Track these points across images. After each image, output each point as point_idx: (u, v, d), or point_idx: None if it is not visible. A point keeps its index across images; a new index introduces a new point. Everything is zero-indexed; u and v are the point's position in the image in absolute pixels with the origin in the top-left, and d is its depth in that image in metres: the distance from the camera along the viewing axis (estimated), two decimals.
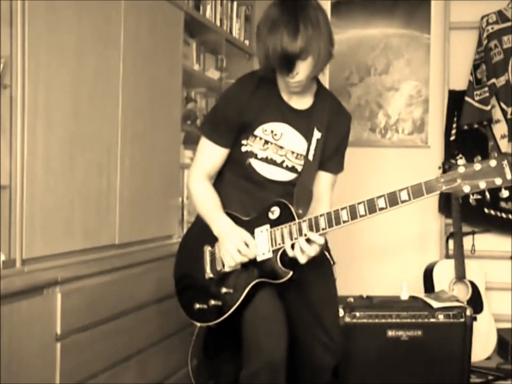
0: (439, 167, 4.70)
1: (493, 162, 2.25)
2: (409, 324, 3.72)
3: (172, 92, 3.82)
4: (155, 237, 3.65)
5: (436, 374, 3.71)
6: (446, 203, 5.02)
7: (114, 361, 3.09)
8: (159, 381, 3.49)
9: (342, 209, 2.43)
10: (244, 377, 2.58)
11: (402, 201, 2.34)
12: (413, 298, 3.98)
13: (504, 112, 5.00)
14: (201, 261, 2.71)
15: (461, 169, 2.29)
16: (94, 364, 2.94)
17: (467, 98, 5.09)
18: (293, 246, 2.52)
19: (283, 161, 2.68)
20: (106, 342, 3.03)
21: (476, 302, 4.63)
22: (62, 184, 2.85)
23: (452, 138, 5.18)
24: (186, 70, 4.02)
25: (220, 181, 2.81)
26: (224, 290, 2.61)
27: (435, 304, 3.78)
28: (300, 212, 2.58)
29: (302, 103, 2.69)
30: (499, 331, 4.80)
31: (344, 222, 2.43)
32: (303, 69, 2.47)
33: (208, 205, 2.70)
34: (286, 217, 2.55)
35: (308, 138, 2.68)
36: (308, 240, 2.49)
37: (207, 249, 2.70)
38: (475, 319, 3.80)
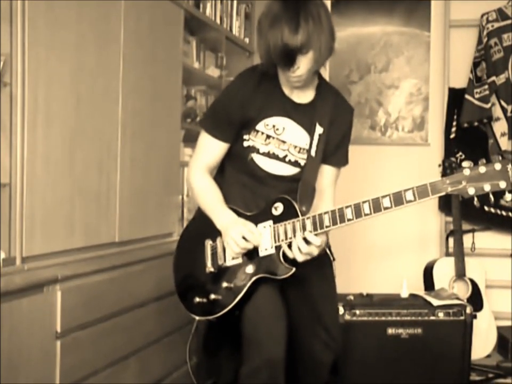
0: (439, 165, 4.70)
1: (497, 166, 2.29)
2: (409, 321, 3.72)
3: (172, 89, 3.82)
4: (155, 235, 3.65)
5: (436, 371, 3.71)
6: (446, 201, 5.01)
7: (114, 359, 3.09)
8: (159, 378, 3.49)
9: (346, 207, 2.43)
10: (243, 374, 2.58)
11: (408, 201, 2.37)
12: (413, 296, 3.98)
13: (504, 110, 5.00)
14: (202, 255, 2.70)
15: (466, 172, 2.32)
16: (94, 361, 2.94)
17: (467, 96, 5.08)
18: (290, 244, 2.52)
19: (285, 156, 2.68)
20: (106, 339, 3.03)
21: (476, 299, 4.62)
22: (62, 182, 2.85)
23: (452, 136, 5.18)
24: (186, 67, 4.02)
25: (221, 176, 2.82)
26: (225, 284, 2.61)
27: (435, 302, 3.78)
28: (304, 209, 2.59)
29: (304, 97, 2.69)
30: (499, 329, 4.80)
31: (348, 220, 2.43)
32: (304, 64, 2.48)
33: (210, 199, 2.70)
34: (289, 213, 2.55)
35: (310, 132, 2.68)
36: (306, 240, 2.48)
37: (208, 243, 2.70)
38: (475, 317, 3.80)
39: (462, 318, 3.72)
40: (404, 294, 3.95)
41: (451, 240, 4.90)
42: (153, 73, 3.56)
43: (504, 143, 5.00)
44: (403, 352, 3.71)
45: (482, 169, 2.30)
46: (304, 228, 2.49)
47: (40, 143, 2.70)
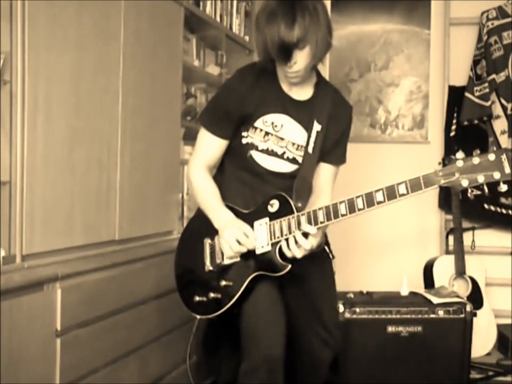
0: (439, 163, 4.69)
1: (491, 156, 2.23)
2: (409, 319, 3.72)
3: (172, 87, 3.81)
4: (155, 233, 3.65)
5: (435, 369, 3.71)
6: (446, 199, 5.02)
7: (114, 356, 3.09)
8: (158, 376, 3.49)
9: (340, 202, 2.43)
10: (242, 372, 2.59)
11: (401, 195, 2.33)
12: (413, 294, 3.98)
13: (504, 108, 5.00)
14: (201, 254, 2.72)
15: (459, 163, 2.28)
16: (94, 359, 2.94)
17: (467, 94, 5.09)
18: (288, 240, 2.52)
19: (284, 153, 2.69)
20: (106, 337, 3.03)
21: (476, 297, 4.63)
22: (62, 180, 2.85)
23: (452, 134, 5.18)
24: (186, 65, 4.02)
25: (221, 173, 2.83)
26: (223, 283, 2.62)
27: (435, 300, 3.78)
28: (299, 205, 2.59)
29: (303, 93, 2.70)
30: (499, 327, 4.80)
31: (342, 215, 2.42)
32: (301, 58, 2.49)
33: (208, 197, 2.71)
34: (285, 210, 2.55)
35: (308, 129, 2.68)
36: (305, 235, 2.49)
37: (207, 242, 2.72)
38: (475, 314, 3.80)
39: (462, 316, 3.72)
40: (404, 292, 3.95)
41: (451, 238, 4.90)
42: (153, 71, 3.55)
43: (504, 141, 4.99)
44: (403, 350, 3.71)
45: (475, 160, 2.25)
46: (299, 224, 2.49)
47: (40, 141, 2.69)
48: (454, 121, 5.17)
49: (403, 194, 2.33)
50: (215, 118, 2.72)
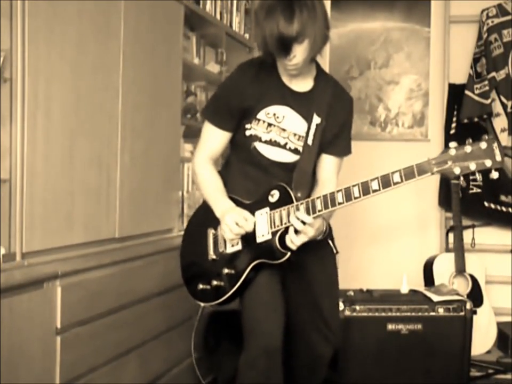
0: None
1: (483, 145, 2.27)
2: (409, 317, 3.73)
3: (172, 85, 3.81)
4: (155, 231, 3.65)
5: (435, 367, 3.71)
6: (446, 196, 5.02)
7: (115, 355, 3.09)
8: (159, 374, 3.49)
9: (337, 191, 2.48)
10: (241, 362, 2.67)
11: (395, 183, 2.38)
12: (413, 291, 3.98)
13: (504, 106, 4.99)
14: (205, 244, 2.80)
15: (452, 152, 2.31)
16: (94, 357, 2.94)
17: (467, 92, 5.08)
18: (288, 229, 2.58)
19: (286, 143, 2.74)
20: (106, 335, 3.03)
21: (476, 295, 4.63)
22: (62, 178, 2.85)
23: (452, 132, 5.18)
24: (186, 63, 4.02)
25: (227, 168, 2.90)
26: (226, 271, 2.69)
27: (435, 298, 3.79)
28: (299, 195, 2.63)
29: (303, 85, 2.75)
30: (499, 325, 4.80)
31: (339, 203, 2.48)
32: (300, 52, 2.54)
33: (211, 189, 2.78)
34: (285, 200, 2.61)
35: (308, 121, 2.73)
36: (304, 223, 2.53)
37: (211, 232, 2.79)
38: (475, 312, 3.80)
39: (462, 313, 3.73)
40: (404, 290, 3.95)
41: (451, 235, 4.90)
42: (153, 69, 3.55)
43: (504, 139, 4.99)
44: (403, 347, 3.72)
45: (468, 148, 2.28)
46: None
47: (40, 138, 2.70)
48: (454, 119, 5.17)
49: (397, 183, 2.38)
50: (217, 111, 2.78)
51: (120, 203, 3.25)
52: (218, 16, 4.62)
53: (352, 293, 3.88)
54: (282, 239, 2.58)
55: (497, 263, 5.09)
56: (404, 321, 3.72)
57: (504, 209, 5.09)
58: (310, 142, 2.72)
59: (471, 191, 5.06)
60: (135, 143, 3.37)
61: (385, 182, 2.40)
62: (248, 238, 2.65)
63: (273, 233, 2.60)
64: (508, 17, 5.01)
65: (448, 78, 5.28)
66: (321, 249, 2.78)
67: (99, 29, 3.06)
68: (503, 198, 5.06)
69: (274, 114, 2.71)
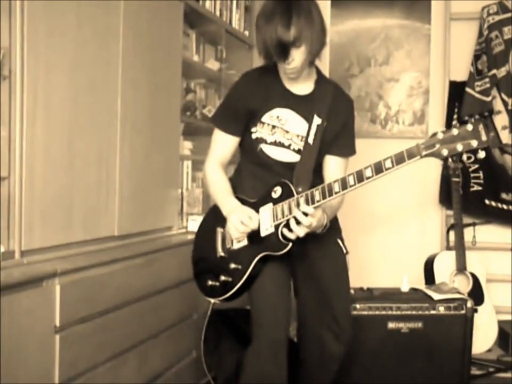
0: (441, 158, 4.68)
1: (469, 127, 2.38)
2: (410, 316, 3.72)
3: (172, 82, 3.81)
4: (154, 229, 3.65)
5: (436, 366, 3.70)
6: (447, 194, 5.01)
7: (114, 353, 3.08)
8: (158, 372, 3.48)
9: (334, 182, 2.60)
10: (248, 353, 2.83)
11: (387, 169, 2.50)
12: (414, 290, 3.97)
13: (505, 103, 4.99)
14: (214, 242, 2.93)
15: (440, 135, 2.43)
16: (93, 355, 2.93)
17: (468, 89, 5.08)
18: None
19: (290, 144, 2.87)
20: (106, 333, 3.02)
21: (477, 293, 4.63)
22: (61, 176, 2.84)
23: None
24: (185, 60, 4.02)
25: (238, 171, 3.07)
26: (233, 266, 2.81)
27: (436, 296, 3.78)
28: (300, 189, 2.73)
29: (303, 89, 2.88)
30: (500, 323, 4.80)
31: (336, 192, 2.59)
32: (297, 56, 2.68)
33: (218, 189, 2.92)
34: (286, 194, 2.73)
35: (309, 121, 2.85)
36: (305, 214, 2.63)
37: (219, 230, 2.92)
38: (476, 311, 3.80)
39: (463, 312, 3.72)
40: (405, 288, 3.94)
41: (452, 233, 4.90)
42: (152, 66, 3.55)
43: (505, 137, 4.99)
44: (403, 346, 3.71)
45: (455, 131, 2.39)
46: (298, 205, 2.66)
47: (39, 136, 2.69)
48: (455, 116, 5.16)
49: (389, 168, 2.50)
50: (225, 117, 2.94)
51: (119, 201, 3.25)
52: (218, 14, 4.62)
53: (352, 292, 3.86)
54: (284, 232, 2.69)
55: (498, 261, 5.09)
56: (405, 320, 3.72)
57: (505, 207, 5.08)
58: (310, 141, 2.83)
59: (471, 189, 5.06)
60: (134, 141, 3.36)
61: (378, 168, 2.51)
62: (253, 234, 2.77)
63: (276, 226, 2.71)
64: (509, 15, 5.00)
65: (448, 76, 5.27)
66: (330, 247, 2.95)
67: (98, 26, 3.05)
68: (503, 196, 5.06)
69: (277, 117, 2.85)
